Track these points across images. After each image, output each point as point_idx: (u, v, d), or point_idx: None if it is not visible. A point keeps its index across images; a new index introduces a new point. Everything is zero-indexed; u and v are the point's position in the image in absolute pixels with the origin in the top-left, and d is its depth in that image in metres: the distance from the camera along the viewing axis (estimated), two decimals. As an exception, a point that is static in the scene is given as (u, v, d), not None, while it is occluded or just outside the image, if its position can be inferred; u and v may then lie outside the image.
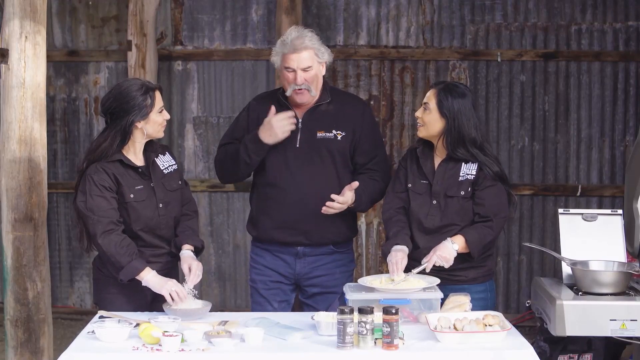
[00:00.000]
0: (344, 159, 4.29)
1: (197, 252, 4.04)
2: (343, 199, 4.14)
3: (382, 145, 4.43)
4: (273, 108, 4.22)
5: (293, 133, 4.23)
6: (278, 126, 4.17)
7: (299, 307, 4.53)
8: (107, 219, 3.79)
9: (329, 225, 4.27)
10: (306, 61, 4.17)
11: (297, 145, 4.24)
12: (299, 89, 4.19)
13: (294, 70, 4.17)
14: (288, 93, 4.22)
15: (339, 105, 4.32)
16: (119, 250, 3.76)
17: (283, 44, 4.21)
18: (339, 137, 4.27)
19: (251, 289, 4.46)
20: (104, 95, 3.97)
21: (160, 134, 3.98)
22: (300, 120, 4.26)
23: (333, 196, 4.14)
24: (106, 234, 3.78)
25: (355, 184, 4.16)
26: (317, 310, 4.17)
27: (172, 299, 3.75)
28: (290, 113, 4.22)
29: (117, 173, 3.85)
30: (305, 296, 4.40)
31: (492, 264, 4.15)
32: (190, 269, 3.90)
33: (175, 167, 4.08)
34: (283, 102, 4.28)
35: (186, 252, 3.98)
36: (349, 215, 4.37)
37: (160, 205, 3.94)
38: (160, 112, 3.92)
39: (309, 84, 4.18)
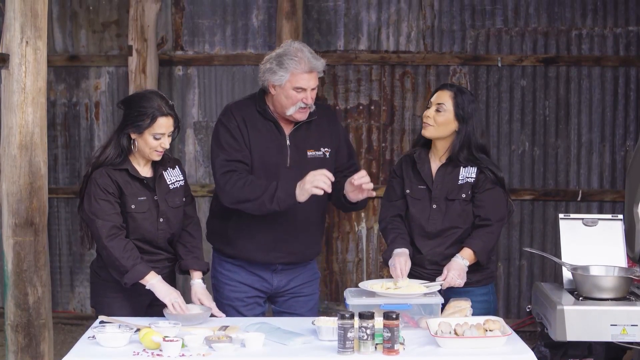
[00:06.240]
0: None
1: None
2: (365, 176, 3.91)
3: (352, 146, 4.40)
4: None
5: (283, 153, 4.04)
6: (310, 180, 3.78)
7: (271, 316, 4.37)
8: (110, 222, 3.78)
9: (312, 242, 4.21)
10: (316, 80, 3.97)
11: (288, 166, 4.04)
12: (304, 108, 3.98)
13: (305, 90, 3.94)
14: (290, 112, 3.97)
15: (318, 120, 4.11)
16: (124, 255, 3.75)
17: (296, 62, 3.90)
18: (327, 155, 4.10)
19: (225, 306, 4.20)
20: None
21: (153, 157, 3.85)
22: (287, 138, 4.06)
23: (356, 177, 3.90)
24: (111, 238, 3.77)
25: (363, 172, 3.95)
26: (292, 315, 4.14)
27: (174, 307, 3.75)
28: (329, 174, 3.82)
29: (121, 181, 3.83)
30: (280, 304, 4.27)
31: (494, 267, 4.16)
32: (202, 303, 3.90)
33: (182, 182, 4.02)
34: (269, 116, 4.04)
35: (197, 283, 4.00)
36: (323, 229, 4.31)
37: (161, 220, 3.92)
38: (158, 138, 3.80)
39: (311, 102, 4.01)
